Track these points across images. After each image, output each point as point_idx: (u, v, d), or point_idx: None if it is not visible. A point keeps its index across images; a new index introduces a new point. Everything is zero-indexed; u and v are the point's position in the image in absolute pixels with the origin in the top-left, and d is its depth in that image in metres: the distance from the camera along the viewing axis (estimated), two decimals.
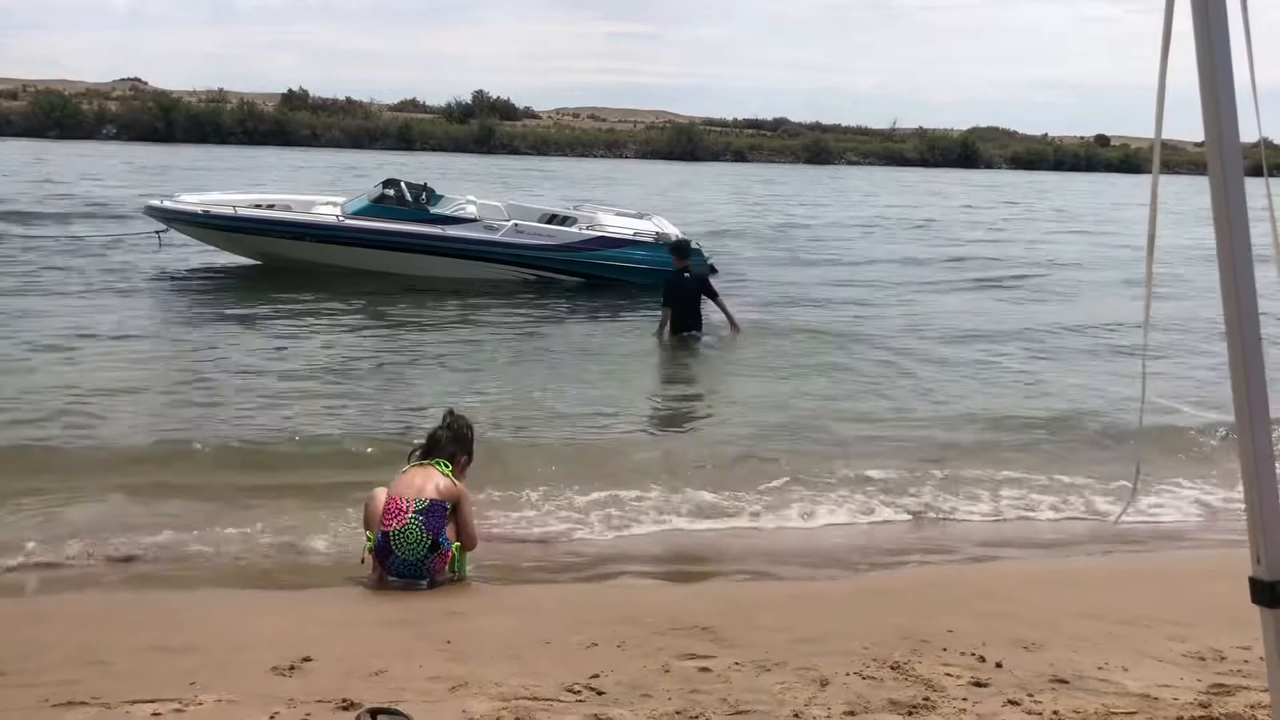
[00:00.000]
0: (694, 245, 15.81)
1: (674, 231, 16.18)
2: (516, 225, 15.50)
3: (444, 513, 5.22)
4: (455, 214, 15.69)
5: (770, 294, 15.71)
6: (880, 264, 19.83)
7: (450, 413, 5.76)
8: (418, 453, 5.54)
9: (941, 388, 10.29)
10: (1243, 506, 1.98)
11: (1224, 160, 1.90)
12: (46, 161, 35.17)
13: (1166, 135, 2.25)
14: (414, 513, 5.14)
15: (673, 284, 12.17)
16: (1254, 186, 1.98)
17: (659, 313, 12.17)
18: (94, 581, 5.40)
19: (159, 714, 3.52)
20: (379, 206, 15.57)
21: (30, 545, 5.69)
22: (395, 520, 5.14)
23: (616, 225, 15.91)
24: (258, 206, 16.06)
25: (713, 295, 12.20)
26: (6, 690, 3.75)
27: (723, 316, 12.31)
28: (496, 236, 15.29)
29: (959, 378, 10.79)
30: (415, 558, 5.14)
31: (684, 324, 11.97)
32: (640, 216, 16.77)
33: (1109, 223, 29.92)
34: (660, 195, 31.06)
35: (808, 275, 18.07)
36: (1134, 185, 49.47)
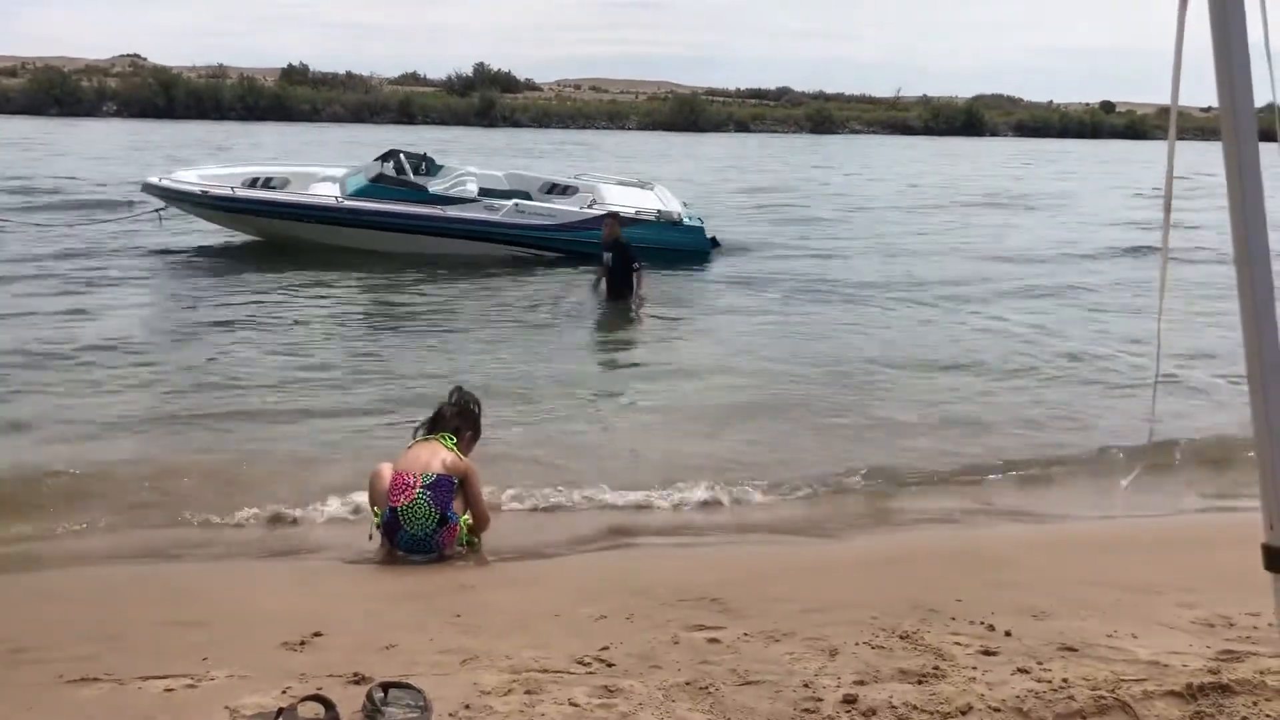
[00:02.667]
0: (692, 219, 15.82)
1: (676, 203, 16.13)
2: (517, 205, 15.41)
3: (451, 487, 5.23)
4: (455, 194, 15.62)
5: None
6: None
7: (458, 389, 5.77)
8: (423, 428, 5.55)
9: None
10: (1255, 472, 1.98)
11: (1238, 125, 1.88)
12: (45, 139, 35.07)
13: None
14: (421, 488, 5.16)
15: (602, 251, 12.84)
16: (1266, 152, 1.96)
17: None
18: (105, 558, 5.43)
19: (172, 689, 3.53)
20: (378, 186, 15.46)
21: (40, 523, 5.72)
22: (403, 495, 5.15)
23: (618, 199, 15.85)
24: (256, 180, 15.99)
25: (633, 263, 12.70)
26: (23, 667, 3.78)
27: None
28: (497, 217, 15.20)
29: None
30: (424, 532, 5.16)
31: (618, 289, 12.64)
32: (643, 186, 16.71)
33: None
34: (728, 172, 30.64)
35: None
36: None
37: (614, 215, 13.41)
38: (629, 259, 12.64)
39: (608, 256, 12.70)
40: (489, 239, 15.14)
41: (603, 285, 12.90)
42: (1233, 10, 1.86)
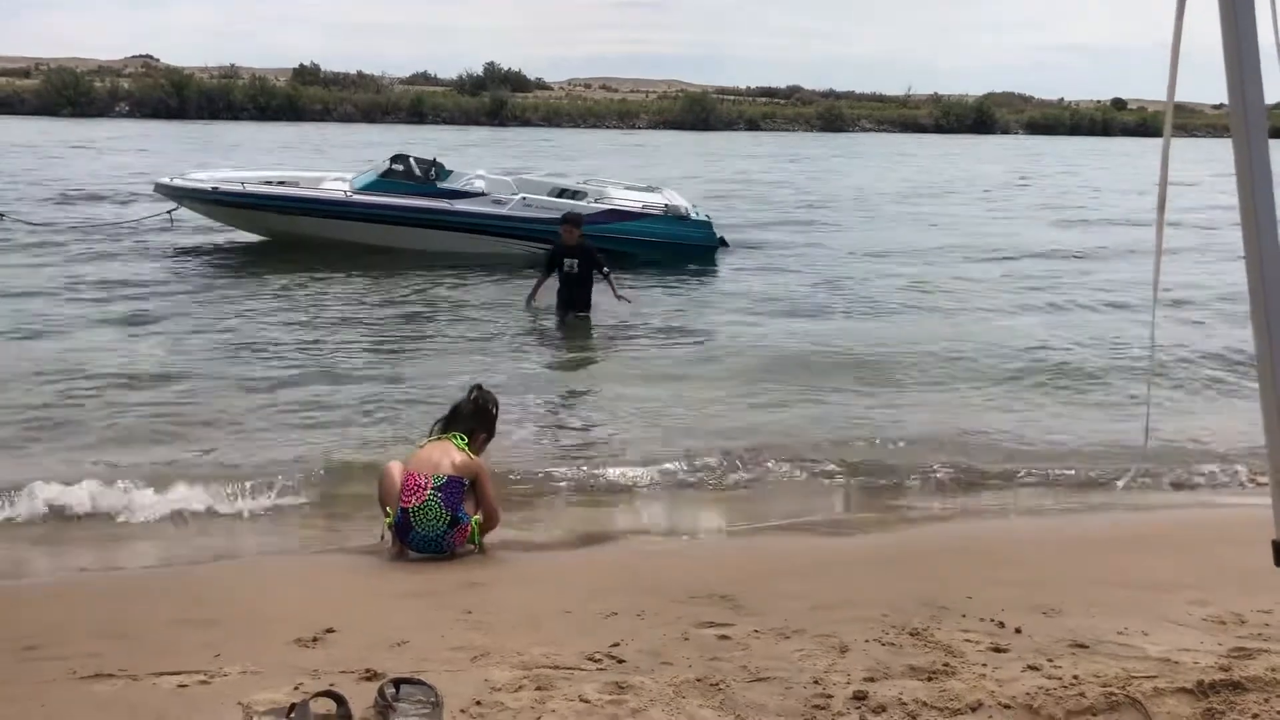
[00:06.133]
0: (698, 214, 15.77)
1: (684, 204, 16.11)
2: (524, 199, 15.47)
3: (461, 488, 5.23)
4: (463, 188, 15.69)
5: None
6: None
7: (478, 387, 5.74)
8: (438, 426, 5.56)
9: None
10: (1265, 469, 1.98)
11: (1248, 122, 1.88)
12: (58, 139, 35.22)
13: (1184, 97, 2.23)
14: (432, 489, 5.16)
15: (559, 257, 11.43)
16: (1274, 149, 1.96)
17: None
18: (114, 555, 5.46)
19: (185, 685, 3.56)
20: (387, 181, 15.57)
21: (48, 521, 5.76)
22: (414, 497, 5.16)
23: (626, 198, 15.86)
24: (267, 184, 16.11)
25: (600, 268, 11.43)
26: (37, 663, 3.80)
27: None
28: (505, 210, 15.26)
29: None
30: (435, 533, 5.17)
31: (573, 303, 11.35)
32: (650, 189, 16.71)
33: None
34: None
35: None
36: None
37: (571, 218, 11.97)
38: (594, 264, 11.39)
39: (570, 263, 11.30)
40: (496, 233, 15.17)
41: (540, 299, 11.62)
42: (1242, 7, 1.86)
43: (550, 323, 11.39)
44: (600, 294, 11.53)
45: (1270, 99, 1.96)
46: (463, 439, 5.39)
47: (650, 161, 32.72)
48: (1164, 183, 2.16)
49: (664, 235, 15.09)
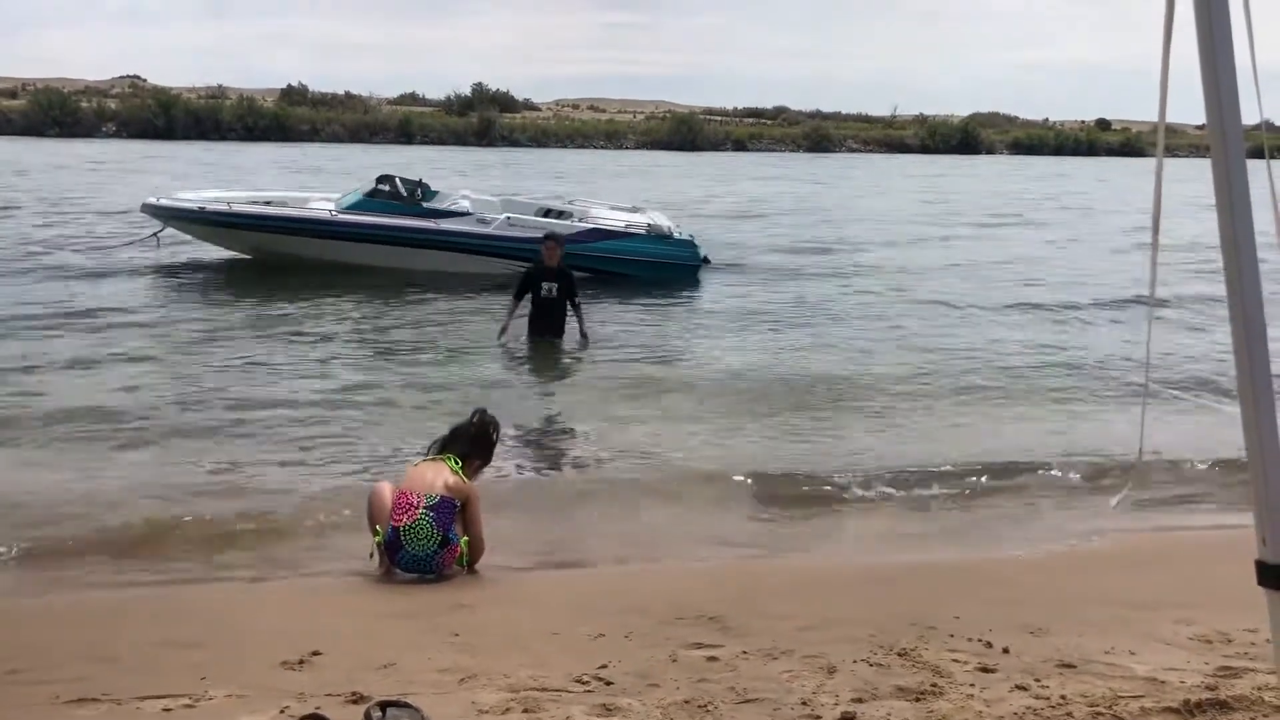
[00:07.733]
0: (681, 234, 15.77)
1: (667, 223, 16.12)
2: (509, 218, 15.49)
3: (453, 509, 5.21)
4: (449, 208, 15.71)
5: None
6: None
7: (481, 412, 5.68)
8: (434, 447, 5.53)
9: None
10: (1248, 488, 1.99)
11: (1226, 143, 1.90)
12: (45, 160, 35.14)
13: (1169, 118, 2.25)
14: (424, 508, 5.14)
15: (537, 280, 11.09)
16: (1255, 169, 1.98)
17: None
18: (99, 578, 5.42)
19: (170, 709, 3.53)
20: (372, 201, 15.58)
21: (33, 542, 5.72)
22: (406, 515, 5.14)
23: (610, 218, 15.87)
24: (254, 204, 16.12)
25: (574, 297, 11.09)
26: (20, 688, 3.77)
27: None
28: (489, 230, 15.27)
29: None
30: (425, 553, 5.14)
31: (546, 330, 11.05)
32: (634, 210, 16.75)
33: None
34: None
35: None
36: None
37: (553, 237, 11.56)
38: (571, 293, 11.04)
39: (549, 288, 10.92)
40: (481, 252, 15.16)
41: (510, 329, 11.11)
42: (1219, 30, 1.88)
43: (524, 348, 11.16)
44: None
45: (1248, 120, 1.98)
46: (457, 461, 5.36)
47: (645, 185, 32.66)
48: (1158, 203, 2.18)
49: (647, 254, 15.14)
